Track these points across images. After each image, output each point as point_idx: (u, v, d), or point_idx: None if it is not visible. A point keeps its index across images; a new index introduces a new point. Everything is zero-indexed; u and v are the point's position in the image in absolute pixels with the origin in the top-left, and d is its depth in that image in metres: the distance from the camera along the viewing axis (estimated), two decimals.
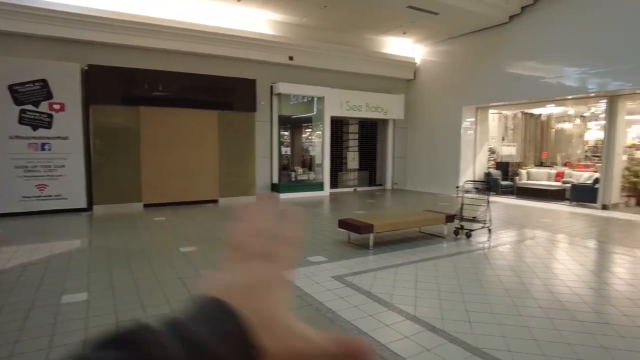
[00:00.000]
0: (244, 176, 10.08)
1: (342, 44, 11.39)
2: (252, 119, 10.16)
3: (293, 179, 11.08)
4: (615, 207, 9.00)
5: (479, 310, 3.48)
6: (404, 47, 12.65)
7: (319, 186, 11.38)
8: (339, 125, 12.46)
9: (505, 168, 11.96)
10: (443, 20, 10.17)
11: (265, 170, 10.73)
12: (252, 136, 10.16)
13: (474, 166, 11.72)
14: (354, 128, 13.15)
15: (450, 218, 6.17)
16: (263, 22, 10.16)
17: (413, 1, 8.88)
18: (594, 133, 13.60)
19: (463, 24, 10.58)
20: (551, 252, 5.65)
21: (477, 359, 2.68)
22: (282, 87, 10.51)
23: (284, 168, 11.22)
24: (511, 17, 10.04)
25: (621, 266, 5.06)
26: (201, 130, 9.45)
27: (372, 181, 13.62)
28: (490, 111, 11.99)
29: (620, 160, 9.40)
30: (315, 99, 11.42)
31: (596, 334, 3.04)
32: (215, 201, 9.59)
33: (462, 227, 6.22)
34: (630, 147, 11.20)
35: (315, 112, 11.61)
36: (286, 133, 12.14)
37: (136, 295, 3.75)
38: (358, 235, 5.53)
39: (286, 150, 12.07)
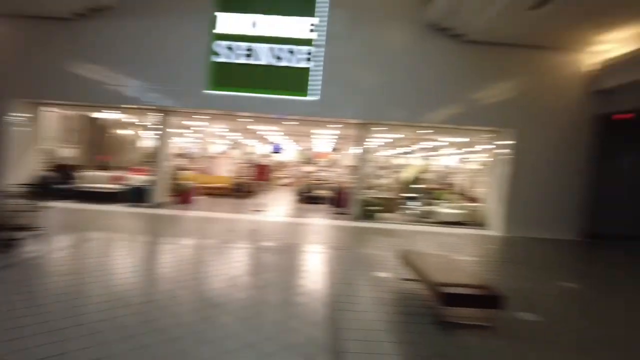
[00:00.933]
0: None
1: None
2: None
3: None
4: (165, 205, 10.79)
5: (31, 322, 3.35)
6: None
7: None
8: None
9: (65, 171, 11.39)
10: None
11: None
12: None
13: (24, 168, 10.37)
14: None
15: None
16: None
17: None
18: (148, 141, 15.51)
19: (18, 3, 9.20)
20: (108, 251, 6.11)
21: None
22: None
23: None
24: (77, 15, 9.76)
25: (168, 252, 6.27)
26: None
27: None
28: (50, 109, 11.06)
29: (168, 165, 11.40)
30: None
31: (146, 312, 3.76)
32: None
33: (8, 238, 5.50)
34: (173, 155, 13.74)
35: None
36: None
37: None
38: None
39: None
